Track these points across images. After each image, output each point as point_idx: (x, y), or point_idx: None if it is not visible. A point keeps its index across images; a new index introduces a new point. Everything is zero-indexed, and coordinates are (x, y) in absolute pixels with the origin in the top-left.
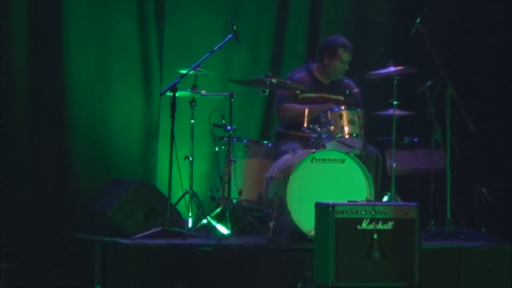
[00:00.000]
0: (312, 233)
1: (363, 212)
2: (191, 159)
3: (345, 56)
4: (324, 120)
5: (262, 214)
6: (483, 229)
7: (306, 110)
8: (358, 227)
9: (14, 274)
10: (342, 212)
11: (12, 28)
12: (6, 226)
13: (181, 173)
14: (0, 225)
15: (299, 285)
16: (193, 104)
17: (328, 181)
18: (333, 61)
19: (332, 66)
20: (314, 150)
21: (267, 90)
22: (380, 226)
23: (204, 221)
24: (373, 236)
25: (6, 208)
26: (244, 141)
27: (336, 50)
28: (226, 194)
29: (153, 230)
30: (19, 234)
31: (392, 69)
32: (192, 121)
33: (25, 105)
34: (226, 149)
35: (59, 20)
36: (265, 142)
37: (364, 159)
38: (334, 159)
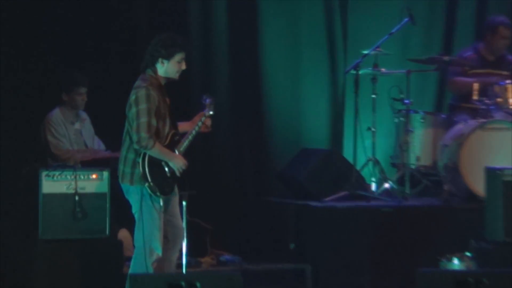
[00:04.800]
0: (483, 194)
1: None
2: (373, 130)
3: (505, 32)
4: (491, 93)
5: (437, 178)
6: None
7: (474, 84)
8: None
9: (217, 234)
10: (510, 175)
11: (213, 21)
12: (215, 193)
13: (364, 142)
14: (212, 194)
15: (472, 242)
16: (374, 80)
17: (496, 148)
18: (495, 38)
19: (495, 43)
20: (483, 120)
21: (440, 67)
22: None
23: (386, 185)
24: None
25: (213, 179)
26: (421, 113)
27: (496, 28)
28: (405, 161)
29: (340, 193)
30: (223, 199)
31: None
32: (373, 96)
33: (226, 88)
34: (404, 120)
35: (255, 8)
36: (439, 113)
37: None
38: (502, 128)
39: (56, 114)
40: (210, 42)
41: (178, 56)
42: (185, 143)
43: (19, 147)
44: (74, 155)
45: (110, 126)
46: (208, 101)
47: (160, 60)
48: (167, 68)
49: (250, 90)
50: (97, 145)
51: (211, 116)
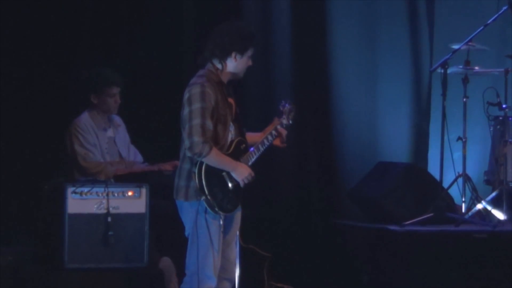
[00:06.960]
0: None
1: None
2: (464, 140)
3: None
4: None
5: None
6: None
7: None
8: None
9: (276, 263)
10: None
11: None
12: (274, 215)
13: (453, 155)
14: (270, 216)
15: None
16: (466, 81)
17: None
18: None
19: None
20: None
21: None
22: None
23: (479, 206)
24: None
25: (272, 198)
26: None
27: None
28: (501, 177)
29: (424, 216)
30: (284, 222)
31: None
32: (465, 99)
33: (288, 93)
34: (501, 129)
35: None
36: None
37: None
38: None
39: (85, 119)
40: (269, 42)
41: (251, 51)
42: (253, 157)
43: (40, 159)
44: (106, 168)
45: (149, 134)
46: (287, 107)
47: (233, 54)
48: (239, 64)
49: (316, 95)
50: (134, 156)
51: (288, 126)
